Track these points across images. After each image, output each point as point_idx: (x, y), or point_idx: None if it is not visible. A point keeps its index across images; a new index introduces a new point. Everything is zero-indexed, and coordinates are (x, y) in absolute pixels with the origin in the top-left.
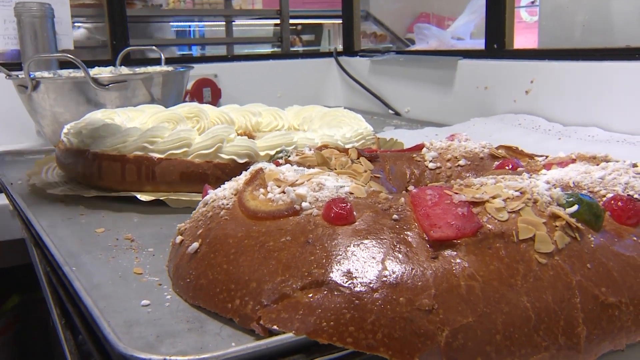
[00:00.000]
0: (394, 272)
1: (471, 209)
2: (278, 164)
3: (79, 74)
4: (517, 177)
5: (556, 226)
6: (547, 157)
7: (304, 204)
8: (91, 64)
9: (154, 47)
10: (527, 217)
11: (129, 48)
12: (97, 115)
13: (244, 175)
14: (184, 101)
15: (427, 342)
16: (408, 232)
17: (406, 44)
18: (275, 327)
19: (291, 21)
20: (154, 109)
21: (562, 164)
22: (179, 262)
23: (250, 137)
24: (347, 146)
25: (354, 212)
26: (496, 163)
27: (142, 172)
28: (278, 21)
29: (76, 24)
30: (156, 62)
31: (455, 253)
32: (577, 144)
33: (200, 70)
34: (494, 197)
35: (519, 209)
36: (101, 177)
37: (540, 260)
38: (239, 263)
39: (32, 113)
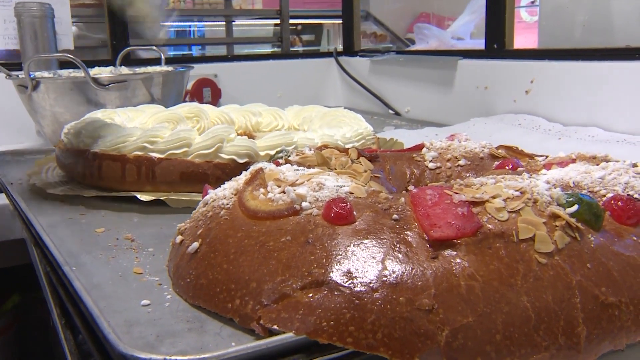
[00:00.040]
0: (394, 272)
1: (471, 209)
2: (278, 164)
3: (79, 74)
4: (517, 177)
5: (556, 226)
6: (547, 157)
7: (304, 204)
8: (91, 64)
9: (154, 47)
10: (527, 217)
11: (129, 48)
12: (97, 115)
13: (244, 175)
14: (184, 101)
15: (427, 341)
16: (408, 232)
17: (406, 44)
18: (275, 326)
19: (291, 21)
20: (154, 109)
21: (562, 163)
22: (179, 262)
23: (250, 137)
24: (347, 146)
25: (354, 212)
26: (496, 163)
27: (142, 172)
28: (278, 21)
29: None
30: (156, 62)
31: (455, 253)
32: (577, 144)
33: (200, 70)
34: (494, 197)
35: (519, 209)
36: (101, 177)
37: (540, 260)
38: (239, 263)
39: (32, 113)
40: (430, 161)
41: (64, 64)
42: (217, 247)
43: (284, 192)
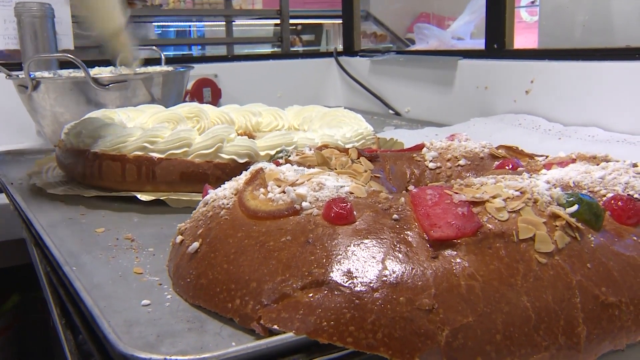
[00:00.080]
0: (394, 272)
1: (471, 209)
2: (278, 164)
3: (79, 74)
4: (517, 177)
5: (556, 226)
6: (547, 157)
7: (304, 204)
8: (91, 64)
9: (154, 47)
10: (527, 216)
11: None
12: (97, 115)
13: (244, 175)
14: (184, 101)
15: (427, 341)
16: (408, 232)
17: (406, 44)
18: (275, 326)
19: (291, 21)
20: (154, 109)
21: (562, 163)
22: (179, 262)
23: (251, 137)
24: (347, 146)
25: (354, 212)
26: (496, 163)
27: (142, 172)
28: (278, 21)
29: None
30: (156, 62)
31: (455, 253)
32: (577, 143)
33: (200, 70)
34: (494, 197)
35: (519, 209)
36: (101, 177)
37: (540, 260)
38: (239, 263)
39: (32, 113)
40: (431, 161)
41: (64, 64)
42: (218, 247)
43: (284, 192)
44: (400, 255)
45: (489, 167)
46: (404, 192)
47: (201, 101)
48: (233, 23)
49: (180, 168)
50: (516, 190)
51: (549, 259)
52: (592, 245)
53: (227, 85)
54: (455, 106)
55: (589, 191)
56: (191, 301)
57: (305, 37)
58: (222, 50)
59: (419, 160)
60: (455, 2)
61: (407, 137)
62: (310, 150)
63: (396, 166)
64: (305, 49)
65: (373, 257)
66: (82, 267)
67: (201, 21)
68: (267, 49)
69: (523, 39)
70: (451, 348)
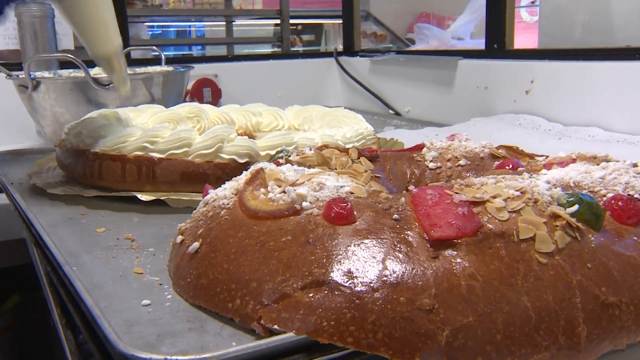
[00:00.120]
0: (394, 272)
1: (471, 209)
2: (278, 164)
3: (79, 74)
4: (518, 177)
5: (557, 226)
6: (547, 157)
7: (304, 204)
8: (91, 64)
9: (154, 47)
10: (527, 216)
11: (129, 48)
12: (97, 115)
13: (245, 175)
14: (184, 101)
15: (428, 341)
16: (408, 232)
17: (406, 44)
18: (275, 326)
19: (291, 21)
20: (154, 109)
21: (563, 163)
22: (179, 262)
23: (251, 137)
24: (347, 146)
25: (355, 212)
26: (496, 163)
27: (142, 172)
28: (278, 21)
29: None
30: (156, 62)
31: (455, 253)
32: (577, 143)
33: (200, 70)
34: (494, 197)
35: (520, 209)
36: (101, 177)
37: (540, 260)
38: (239, 263)
39: (32, 113)
40: (431, 161)
41: (64, 64)
42: (218, 247)
43: (284, 192)
44: (400, 255)
45: (489, 167)
46: (404, 192)
47: (201, 101)
48: (233, 23)
49: (181, 168)
50: (516, 190)
51: (549, 259)
52: (593, 245)
53: (227, 85)
54: (455, 106)
55: (589, 191)
56: (191, 301)
57: (305, 37)
58: (222, 50)
59: (419, 160)
60: (455, 2)
61: (407, 137)
62: (311, 150)
63: (396, 166)
64: (306, 49)
65: (373, 257)
66: (83, 267)
67: (201, 21)
68: (267, 49)
69: (523, 39)
70: (451, 348)
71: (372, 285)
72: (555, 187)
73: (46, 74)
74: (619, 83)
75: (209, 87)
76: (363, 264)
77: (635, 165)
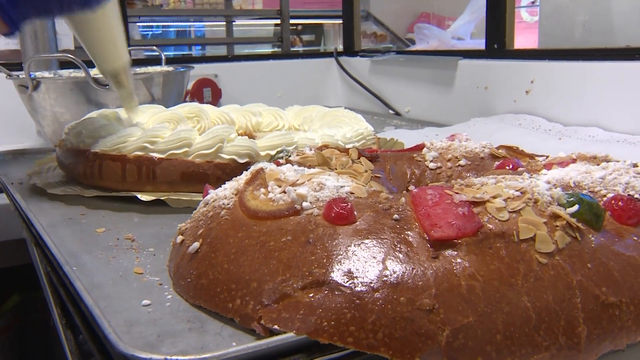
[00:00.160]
0: (394, 272)
1: (472, 209)
2: (279, 164)
3: (79, 74)
4: (518, 177)
5: (557, 226)
6: (547, 157)
7: (304, 204)
8: (92, 64)
9: (154, 47)
10: (527, 216)
11: (129, 48)
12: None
13: (245, 175)
14: (185, 101)
15: (428, 341)
16: (409, 232)
17: (406, 44)
18: (276, 326)
19: (291, 21)
20: (154, 109)
21: (563, 163)
22: (179, 262)
23: (251, 137)
24: (347, 146)
25: (355, 212)
26: (497, 163)
27: (142, 172)
28: (278, 21)
29: None
30: (156, 62)
31: (455, 253)
32: (577, 144)
33: (200, 70)
34: (494, 197)
35: (520, 209)
36: (102, 177)
37: (540, 260)
38: (239, 263)
39: (32, 113)
40: (431, 161)
41: (65, 64)
42: (218, 247)
43: (284, 192)
44: (400, 256)
45: (489, 167)
46: (404, 192)
47: (201, 101)
48: (233, 23)
49: (181, 168)
50: (517, 191)
51: (549, 259)
52: (593, 245)
53: (227, 85)
54: (456, 106)
55: (590, 191)
56: (192, 301)
57: (305, 37)
58: (222, 50)
59: (420, 161)
60: (455, 2)
61: (407, 137)
62: (311, 150)
63: (396, 166)
64: (306, 49)
65: (373, 257)
66: (83, 267)
67: (201, 21)
68: (267, 49)
69: (523, 39)
70: (452, 348)
71: (372, 285)
72: (556, 187)
73: (46, 74)
74: (619, 83)
75: (209, 87)
76: (363, 264)
77: (635, 165)
